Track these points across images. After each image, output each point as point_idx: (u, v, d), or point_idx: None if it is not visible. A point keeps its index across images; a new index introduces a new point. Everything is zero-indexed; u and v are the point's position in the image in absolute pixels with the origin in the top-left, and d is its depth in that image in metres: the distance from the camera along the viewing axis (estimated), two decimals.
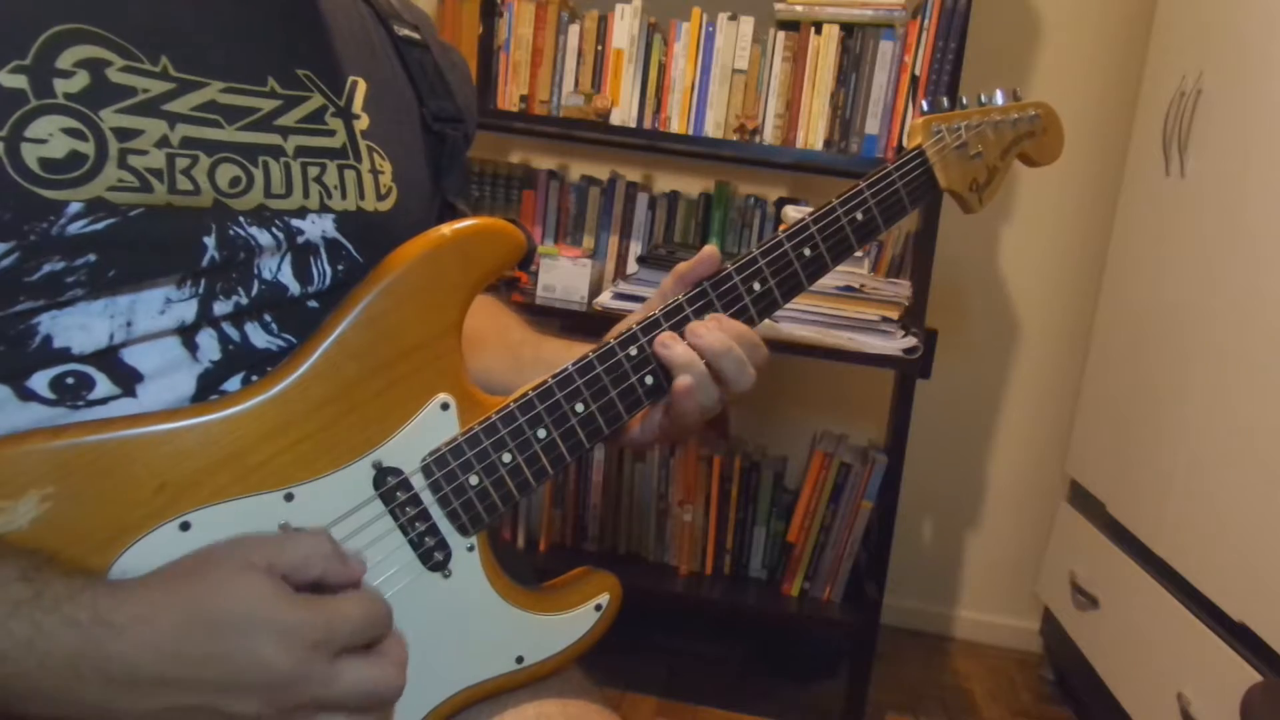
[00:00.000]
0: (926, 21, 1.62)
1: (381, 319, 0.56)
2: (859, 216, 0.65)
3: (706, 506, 1.77)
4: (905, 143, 0.71)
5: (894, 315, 1.55)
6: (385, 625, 0.52)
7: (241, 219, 0.54)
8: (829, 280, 1.55)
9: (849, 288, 1.55)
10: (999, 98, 0.72)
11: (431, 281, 0.57)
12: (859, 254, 1.59)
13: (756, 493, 1.77)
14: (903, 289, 1.57)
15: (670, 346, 0.61)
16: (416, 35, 0.71)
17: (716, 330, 0.62)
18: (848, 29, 1.67)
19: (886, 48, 1.66)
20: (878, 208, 0.66)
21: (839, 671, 1.82)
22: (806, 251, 0.64)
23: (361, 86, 0.63)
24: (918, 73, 1.64)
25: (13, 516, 0.46)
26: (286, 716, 0.47)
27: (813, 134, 1.70)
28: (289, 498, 0.53)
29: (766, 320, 0.66)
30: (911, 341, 1.52)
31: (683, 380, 0.61)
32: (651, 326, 0.62)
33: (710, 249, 0.64)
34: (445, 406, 0.57)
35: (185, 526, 0.50)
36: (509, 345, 0.72)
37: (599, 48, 1.76)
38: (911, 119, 1.59)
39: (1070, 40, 1.93)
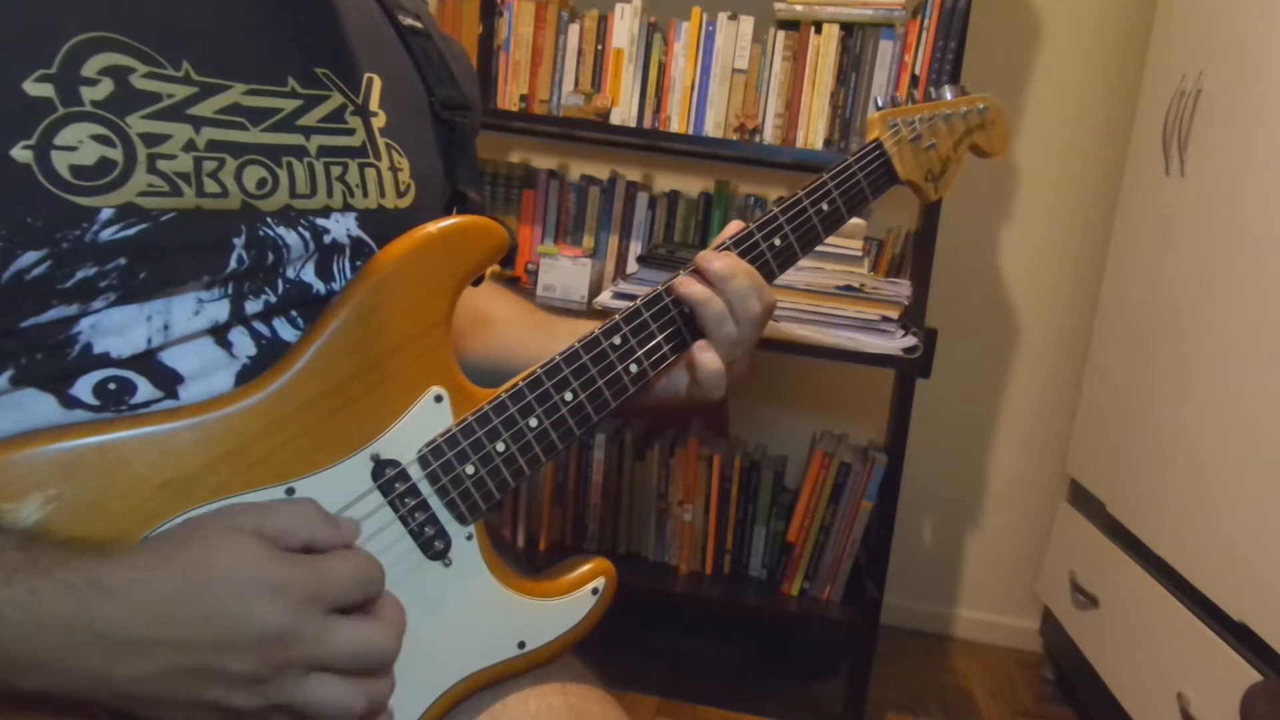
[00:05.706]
0: (926, 21, 1.62)
1: (373, 315, 0.56)
2: (824, 207, 0.69)
3: (706, 506, 1.77)
4: (864, 136, 0.75)
5: (894, 315, 1.55)
6: (377, 584, 0.52)
7: (269, 219, 0.54)
8: (829, 280, 1.55)
9: (849, 287, 1.55)
10: (947, 93, 0.76)
11: (420, 278, 0.58)
12: (858, 253, 1.59)
13: (756, 493, 1.77)
14: (903, 289, 1.57)
15: (690, 284, 0.65)
16: (419, 24, 0.71)
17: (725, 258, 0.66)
18: (848, 28, 1.67)
19: (886, 47, 1.66)
20: (841, 198, 0.70)
21: (839, 671, 1.82)
22: (777, 242, 0.67)
23: (377, 83, 0.63)
24: (918, 72, 1.64)
25: (16, 519, 0.46)
26: (279, 675, 0.47)
27: (813, 133, 1.70)
28: (290, 492, 0.53)
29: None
30: (911, 341, 1.52)
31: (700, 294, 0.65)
32: (634, 316, 0.64)
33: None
34: (439, 399, 0.58)
35: None
36: (536, 323, 0.76)
37: (599, 47, 1.76)
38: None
39: (1070, 40, 1.93)
